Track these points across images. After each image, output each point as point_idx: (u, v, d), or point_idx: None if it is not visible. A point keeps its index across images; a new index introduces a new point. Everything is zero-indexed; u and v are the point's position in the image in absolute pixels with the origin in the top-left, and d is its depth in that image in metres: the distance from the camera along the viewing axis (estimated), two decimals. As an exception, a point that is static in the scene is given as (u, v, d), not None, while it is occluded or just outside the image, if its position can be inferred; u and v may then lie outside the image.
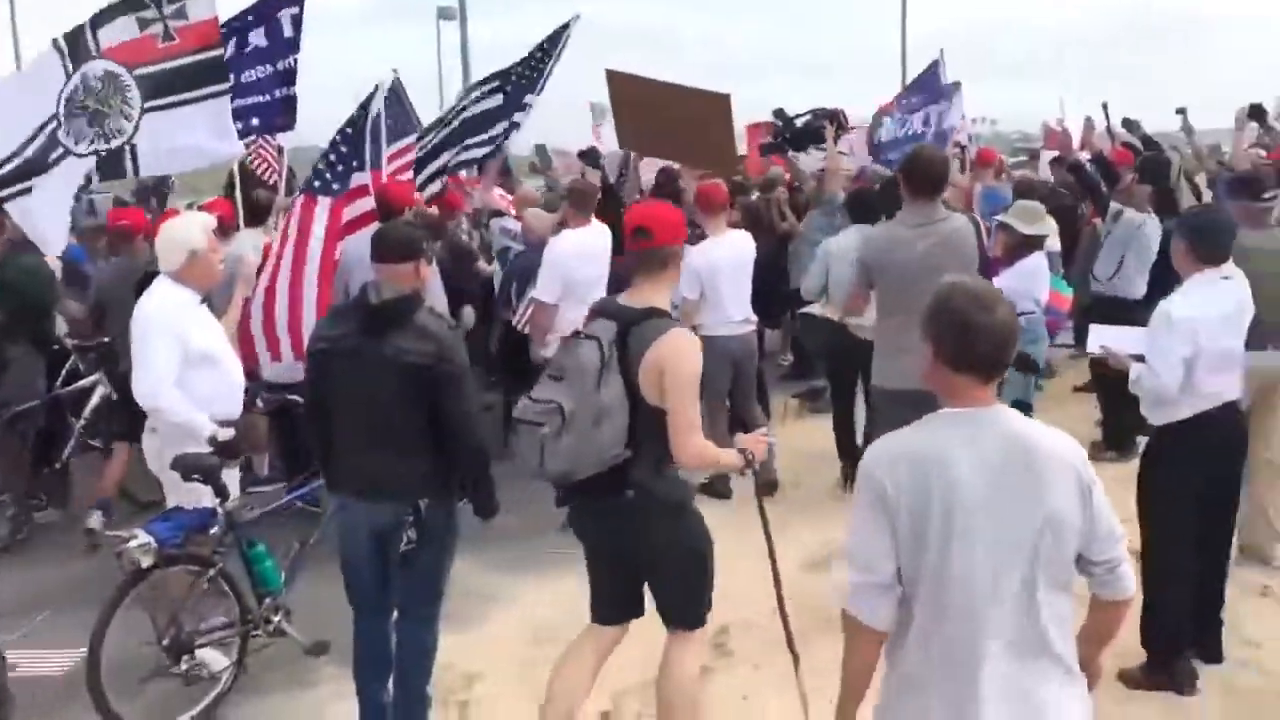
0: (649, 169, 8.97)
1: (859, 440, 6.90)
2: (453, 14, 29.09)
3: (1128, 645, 4.43)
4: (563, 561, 5.75)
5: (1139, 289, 7.24)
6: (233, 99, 6.51)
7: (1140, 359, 4.60)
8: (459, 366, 4.01)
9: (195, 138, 6.29)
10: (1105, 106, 8.82)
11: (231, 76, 6.56)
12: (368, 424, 4.01)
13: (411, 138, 8.55)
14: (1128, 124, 7.74)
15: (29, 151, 6.12)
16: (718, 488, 6.87)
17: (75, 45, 6.20)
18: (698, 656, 4.00)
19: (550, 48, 9.03)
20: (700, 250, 6.72)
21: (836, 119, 8.27)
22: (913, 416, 2.64)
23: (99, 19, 6.21)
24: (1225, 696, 4.51)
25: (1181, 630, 4.62)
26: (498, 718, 4.53)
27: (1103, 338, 5.23)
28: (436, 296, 6.19)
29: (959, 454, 2.48)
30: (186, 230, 4.82)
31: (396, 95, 8.33)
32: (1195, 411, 4.50)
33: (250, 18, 6.99)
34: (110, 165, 6.24)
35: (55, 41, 6.19)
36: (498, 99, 9.00)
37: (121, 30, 6.21)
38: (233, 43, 6.83)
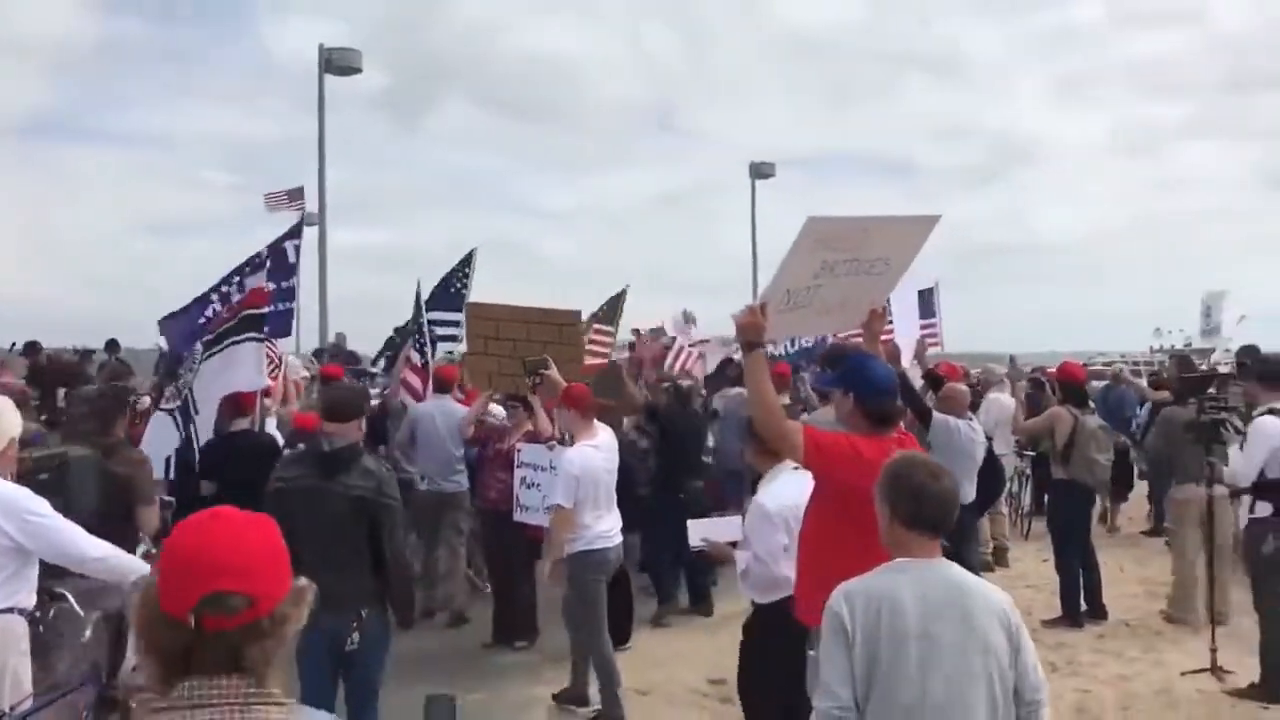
0: None
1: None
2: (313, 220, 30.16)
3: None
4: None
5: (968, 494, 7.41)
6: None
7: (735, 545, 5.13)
8: (394, 498, 5.20)
9: (243, 372, 7.83)
10: None
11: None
12: (322, 546, 4.77)
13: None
14: None
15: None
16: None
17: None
18: None
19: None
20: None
21: None
22: None
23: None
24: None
25: None
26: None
27: (702, 531, 5.71)
28: None
29: (906, 593, 3.03)
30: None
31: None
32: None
33: (265, 251, 8.75)
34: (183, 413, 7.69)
35: None
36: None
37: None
38: (248, 270, 8.56)
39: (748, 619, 5.27)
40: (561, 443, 7.49)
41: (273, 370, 10.05)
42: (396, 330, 14.11)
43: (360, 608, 5.07)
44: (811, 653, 4.28)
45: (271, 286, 8.51)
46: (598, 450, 6.73)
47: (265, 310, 8.17)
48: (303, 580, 1.92)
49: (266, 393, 8.58)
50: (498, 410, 9.51)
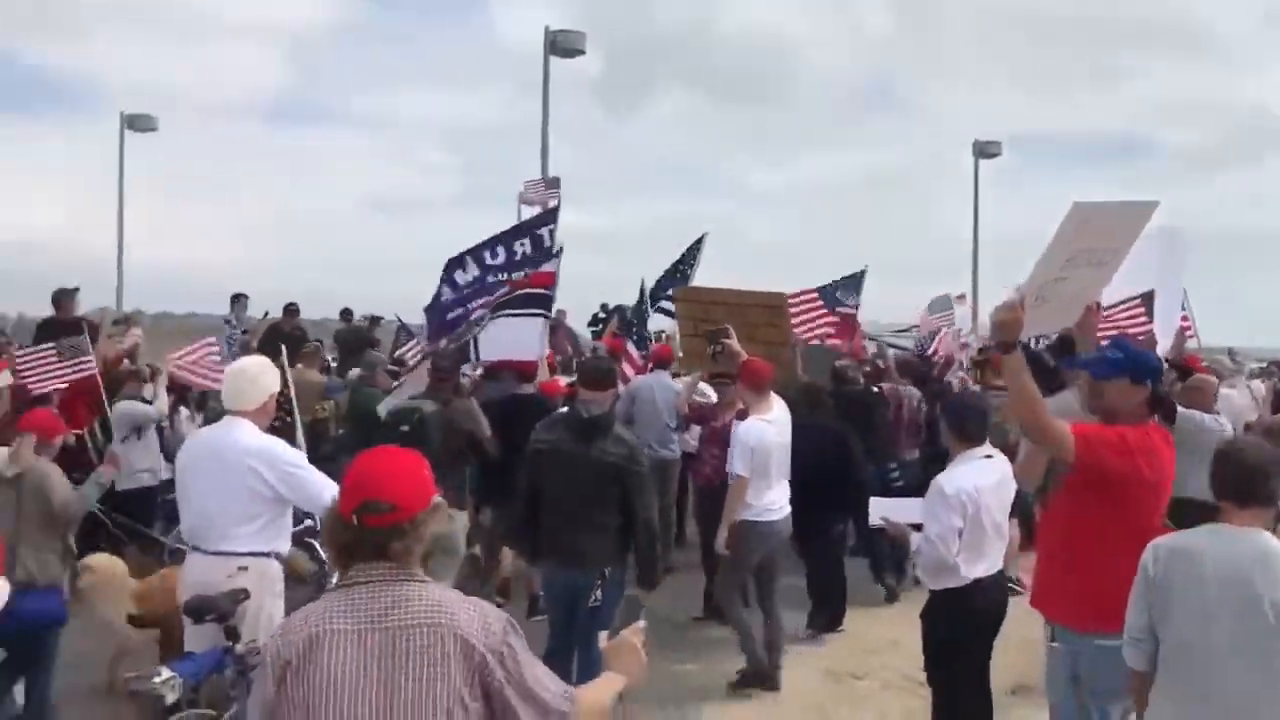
0: None
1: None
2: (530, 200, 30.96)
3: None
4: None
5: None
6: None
7: (918, 528, 4.96)
8: (644, 466, 5.56)
9: (523, 343, 8.84)
10: None
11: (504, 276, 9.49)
12: (574, 507, 5.43)
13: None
14: None
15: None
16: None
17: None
18: None
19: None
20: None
21: None
22: None
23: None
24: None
25: None
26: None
27: (883, 509, 5.60)
28: None
29: (1208, 553, 3.35)
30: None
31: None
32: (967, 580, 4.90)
33: (519, 231, 9.80)
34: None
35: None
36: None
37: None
38: (502, 249, 9.58)
39: (924, 607, 5.25)
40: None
41: None
42: (603, 306, 14.53)
43: (604, 567, 5.45)
44: (1054, 644, 4.15)
45: (547, 270, 9.22)
46: (771, 424, 6.85)
47: (550, 292, 8.99)
48: (439, 498, 2.50)
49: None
50: (706, 389, 9.62)
